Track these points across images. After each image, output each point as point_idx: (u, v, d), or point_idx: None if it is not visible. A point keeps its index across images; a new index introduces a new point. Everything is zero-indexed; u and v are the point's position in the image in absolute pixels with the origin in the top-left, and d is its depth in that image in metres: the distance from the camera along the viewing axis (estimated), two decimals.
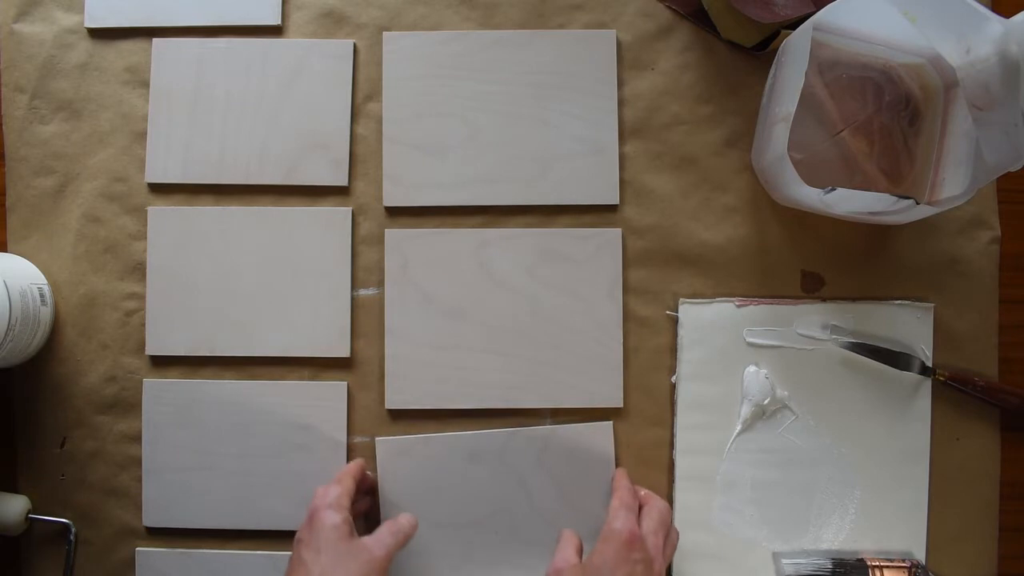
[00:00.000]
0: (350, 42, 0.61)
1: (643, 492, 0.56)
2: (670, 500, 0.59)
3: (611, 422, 0.59)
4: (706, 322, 0.59)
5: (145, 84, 0.61)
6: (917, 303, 0.59)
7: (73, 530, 0.59)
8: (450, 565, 0.59)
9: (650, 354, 0.60)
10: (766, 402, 0.58)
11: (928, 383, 0.59)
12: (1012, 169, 0.48)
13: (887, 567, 0.56)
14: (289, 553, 0.59)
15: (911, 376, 0.59)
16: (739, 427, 0.59)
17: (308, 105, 0.61)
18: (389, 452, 0.59)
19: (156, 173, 0.61)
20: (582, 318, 0.60)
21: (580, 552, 0.52)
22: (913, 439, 0.59)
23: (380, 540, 0.51)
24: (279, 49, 0.61)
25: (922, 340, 0.59)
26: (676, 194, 0.60)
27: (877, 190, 0.57)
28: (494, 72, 0.61)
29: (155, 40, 0.61)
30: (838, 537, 0.59)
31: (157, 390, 0.60)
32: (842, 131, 0.59)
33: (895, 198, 0.49)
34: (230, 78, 0.61)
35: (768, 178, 0.57)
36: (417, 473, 0.59)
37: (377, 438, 0.59)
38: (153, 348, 0.60)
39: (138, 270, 0.61)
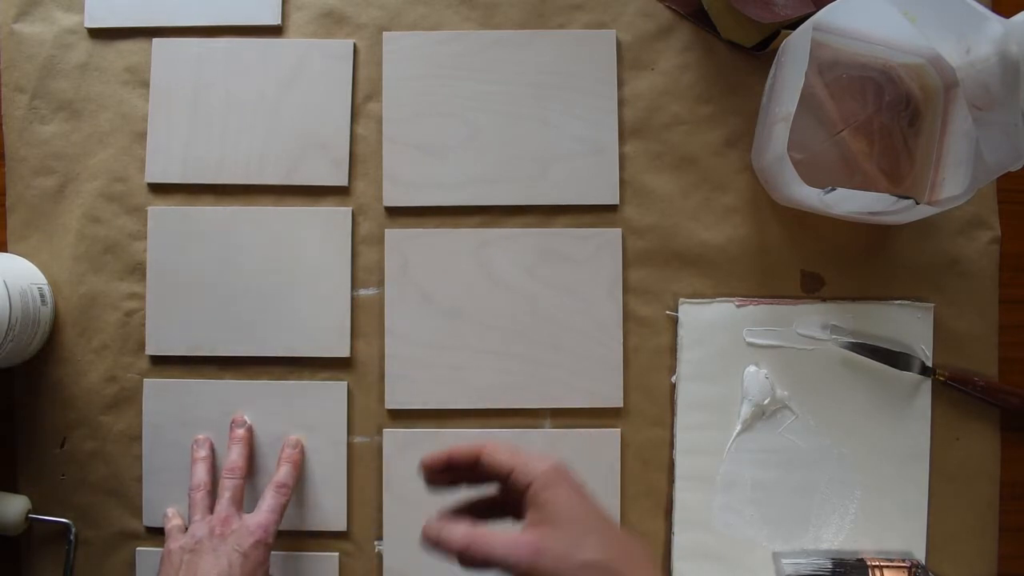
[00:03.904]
0: (350, 42, 0.61)
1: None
2: (670, 500, 0.59)
3: (618, 430, 0.59)
4: (706, 322, 0.59)
5: (145, 84, 0.61)
6: (917, 303, 0.59)
7: (73, 530, 0.59)
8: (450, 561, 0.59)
9: (650, 354, 0.60)
10: (766, 402, 0.58)
11: (928, 383, 0.59)
12: (1012, 169, 0.48)
13: (887, 567, 0.56)
14: (289, 553, 0.59)
15: (911, 376, 0.59)
16: (739, 427, 0.59)
17: (308, 105, 0.61)
18: (396, 444, 0.59)
19: (156, 173, 0.61)
20: (582, 318, 0.60)
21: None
22: (913, 439, 0.59)
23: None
24: (279, 49, 0.61)
25: (922, 340, 0.59)
26: (676, 194, 0.60)
27: (877, 190, 0.57)
28: (494, 72, 0.61)
29: (155, 40, 0.61)
30: (838, 537, 0.59)
31: (157, 390, 0.60)
32: (842, 131, 0.59)
33: (895, 198, 0.49)
34: (230, 78, 0.61)
35: (768, 178, 0.57)
36: None
37: (385, 429, 0.59)
38: (153, 348, 0.60)
39: (138, 270, 0.61)
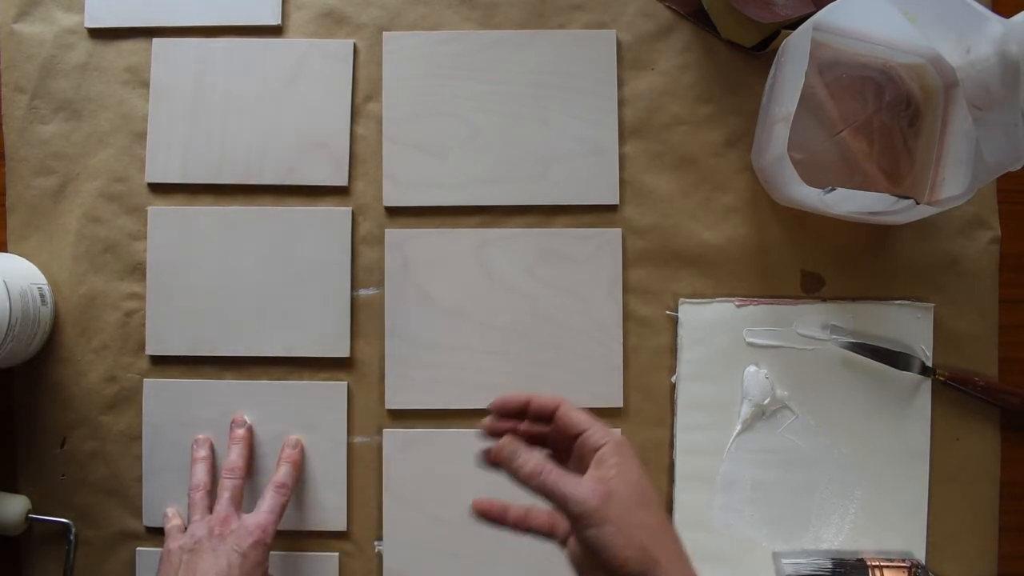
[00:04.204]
0: (350, 42, 0.61)
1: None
2: (670, 500, 0.59)
3: (618, 430, 0.59)
4: (706, 322, 0.59)
5: (145, 84, 0.61)
6: (917, 303, 0.59)
7: (73, 530, 0.59)
8: (450, 561, 0.59)
9: (650, 354, 0.60)
10: (766, 402, 0.58)
11: (928, 383, 0.59)
12: (1012, 169, 0.48)
13: (887, 567, 0.56)
14: (289, 553, 0.59)
15: (911, 376, 0.59)
16: (739, 427, 0.59)
17: (308, 105, 0.61)
18: (396, 444, 0.59)
19: (156, 173, 0.61)
20: (582, 318, 0.60)
21: None
22: (913, 439, 0.59)
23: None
24: (279, 49, 0.61)
25: (922, 340, 0.59)
26: (676, 194, 0.60)
27: (877, 190, 0.57)
28: (494, 72, 0.61)
29: (155, 40, 0.61)
30: (838, 537, 0.59)
31: (157, 390, 0.60)
32: (842, 131, 0.59)
33: (895, 198, 0.49)
34: (230, 78, 0.61)
35: (768, 178, 0.57)
36: (422, 467, 0.59)
37: (385, 429, 0.60)
38: (153, 348, 0.60)
39: (138, 270, 0.61)
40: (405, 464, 0.59)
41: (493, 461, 0.44)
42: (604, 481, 0.40)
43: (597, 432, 0.43)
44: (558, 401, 0.45)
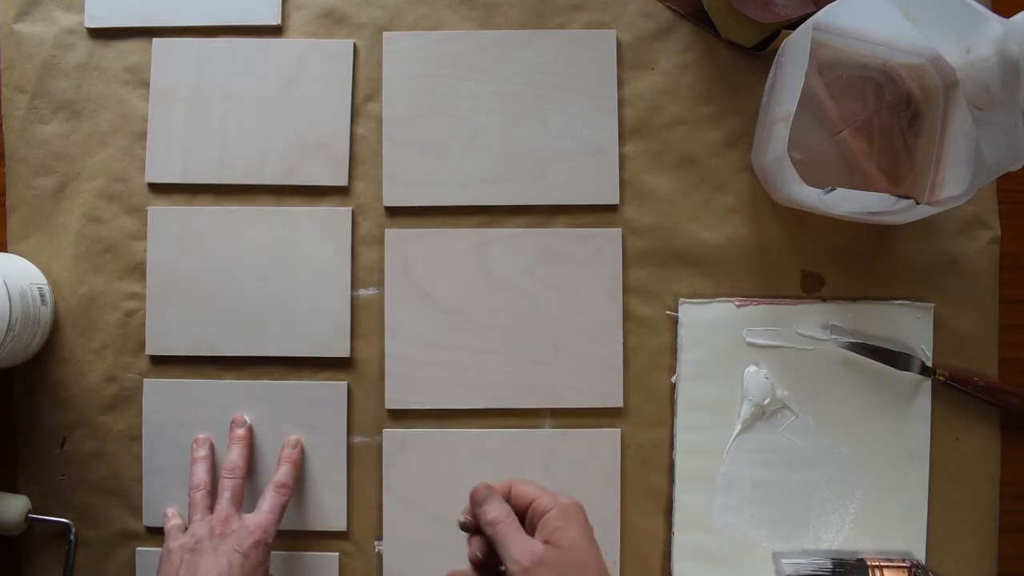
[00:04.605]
0: (350, 42, 0.61)
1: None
2: (670, 500, 0.59)
3: (618, 430, 0.59)
4: (706, 322, 0.59)
5: (145, 84, 0.61)
6: (917, 303, 0.59)
7: (73, 530, 0.59)
8: (450, 561, 0.59)
9: (650, 354, 0.60)
10: (766, 402, 0.58)
11: (928, 383, 0.59)
12: (1012, 169, 0.48)
13: (887, 567, 0.56)
14: (289, 553, 0.59)
15: (911, 376, 0.59)
16: (739, 427, 0.59)
17: (308, 105, 0.61)
18: (396, 444, 0.59)
19: (156, 173, 0.61)
20: (582, 318, 0.60)
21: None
22: (913, 439, 0.59)
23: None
24: (279, 49, 0.61)
25: (922, 340, 0.59)
26: (676, 194, 0.60)
27: (877, 190, 0.57)
28: (494, 72, 0.61)
29: (155, 40, 0.61)
30: (838, 537, 0.59)
31: (157, 390, 0.60)
32: (842, 131, 0.59)
33: (895, 198, 0.49)
34: (230, 78, 0.61)
35: (768, 178, 0.57)
36: (422, 467, 0.59)
37: (385, 429, 0.60)
38: (153, 348, 0.60)
39: (138, 270, 0.61)
40: (405, 464, 0.59)
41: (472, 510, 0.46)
42: (546, 543, 0.42)
43: (545, 499, 0.44)
44: (509, 482, 0.46)
